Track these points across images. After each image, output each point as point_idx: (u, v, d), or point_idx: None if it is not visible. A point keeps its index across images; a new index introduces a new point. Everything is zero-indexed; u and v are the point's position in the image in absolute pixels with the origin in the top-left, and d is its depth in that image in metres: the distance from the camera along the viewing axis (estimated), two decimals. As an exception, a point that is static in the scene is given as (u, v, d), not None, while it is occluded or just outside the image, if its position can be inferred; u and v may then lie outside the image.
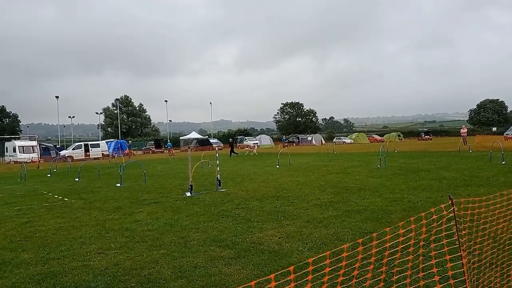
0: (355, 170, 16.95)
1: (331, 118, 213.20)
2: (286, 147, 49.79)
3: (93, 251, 6.18)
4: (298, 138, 68.57)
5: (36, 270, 5.38)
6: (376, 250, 2.77)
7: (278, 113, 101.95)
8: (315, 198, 10.21)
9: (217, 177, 12.99)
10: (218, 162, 13.33)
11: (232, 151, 36.29)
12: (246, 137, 64.85)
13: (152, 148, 61.55)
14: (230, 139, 50.30)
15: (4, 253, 6.29)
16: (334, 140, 68.96)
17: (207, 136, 73.97)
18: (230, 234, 6.82)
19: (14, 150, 42.11)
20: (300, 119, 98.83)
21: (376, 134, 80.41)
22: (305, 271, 4.12)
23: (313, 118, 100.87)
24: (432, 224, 3.09)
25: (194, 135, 68.18)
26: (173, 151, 45.53)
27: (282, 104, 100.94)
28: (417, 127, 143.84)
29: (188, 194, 11.97)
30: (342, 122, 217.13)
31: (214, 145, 56.79)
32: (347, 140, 67.11)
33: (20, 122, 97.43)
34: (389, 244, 2.72)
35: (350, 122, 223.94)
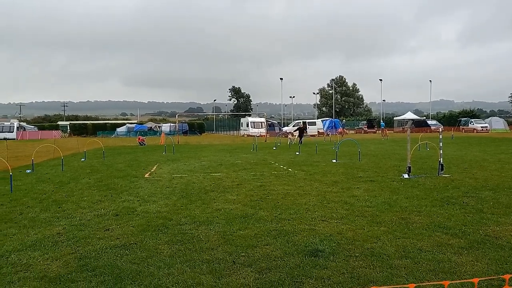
0: None
1: None
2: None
3: (317, 217, 6.73)
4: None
5: (271, 226, 6.25)
6: None
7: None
8: None
9: (440, 161, 11.95)
10: (441, 145, 12.22)
11: (301, 139, 28.97)
12: (472, 120, 56.80)
13: (364, 127, 61.33)
14: (301, 123, 42.74)
15: (246, 209, 7.54)
16: None
17: (424, 117, 68.47)
18: (459, 222, 6.22)
19: (247, 125, 49.49)
20: (549, 98, 79.71)
21: None
22: None
23: None
24: None
25: (409, 115, 64.16)
26: (387, 131, 44.19)
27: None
28: None
29: (406, 176, 11.47)
30: None
31: (432, 127, 52.13)
32: None
33: (251, 101, 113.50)
34: None
35: None
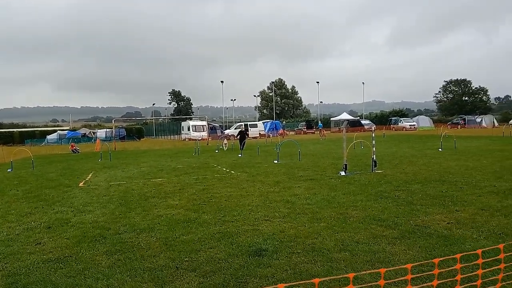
0: (542, 157, 14.29)
1: (507, 97, 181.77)
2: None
3: (260, 217, 6.80)
4: (464, 119, 61.02)
5: (215, 229, 6.21)
6: None
7: (439, 92, 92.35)
8: (489, 185, 9.04)
9: (373, 158, 12.63)
10: (374, 143, 12.93)
11: (242, 143, 25.06)
12: (401, 118, 60.83)
13: (304, 128, 63.17)
14: (242, 126, 41.74)
15: (189, 213, 7.42)
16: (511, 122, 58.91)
17: (358, 118, 72.07)
18: (391, 214, 6.61)
19: (189, 129, 48.67)
20: (466, 98, 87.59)
21: None
22: (474, 262, 3.75)
23: (484, 97, 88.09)
24: None
25: (345, 116, 67.25)
26: (324, 131, 45.88)
27: (445, 82, 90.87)
28: None
29: (343, 173, 11.98)
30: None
31: (366, 127, 55.05)
32: (529, 123, 56.54)
33: (192, 104, 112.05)
34: None
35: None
